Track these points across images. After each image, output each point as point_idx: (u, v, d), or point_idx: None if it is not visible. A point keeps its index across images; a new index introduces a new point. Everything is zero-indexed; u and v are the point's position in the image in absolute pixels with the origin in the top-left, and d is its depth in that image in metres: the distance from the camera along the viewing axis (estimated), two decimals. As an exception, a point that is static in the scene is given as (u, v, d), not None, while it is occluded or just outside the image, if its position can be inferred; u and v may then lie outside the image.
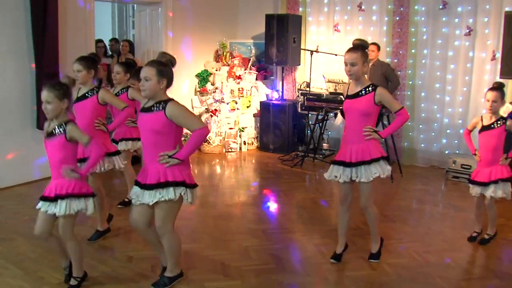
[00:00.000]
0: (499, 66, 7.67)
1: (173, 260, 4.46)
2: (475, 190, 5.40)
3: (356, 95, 4.68)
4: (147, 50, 9.76)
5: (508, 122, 5.22)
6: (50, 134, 4.20)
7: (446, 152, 8.70)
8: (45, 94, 4.11)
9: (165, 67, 4.16)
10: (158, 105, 4.11)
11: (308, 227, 6.08)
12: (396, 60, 9.01)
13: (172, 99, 4.18)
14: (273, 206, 6.94)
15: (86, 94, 5.24)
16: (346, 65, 4.65)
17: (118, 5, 13.38)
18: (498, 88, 5.22)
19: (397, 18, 8.92)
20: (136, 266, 4.93)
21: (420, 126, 8.99)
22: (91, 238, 5.51)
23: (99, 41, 10.39)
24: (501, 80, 7.63)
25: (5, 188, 7.22)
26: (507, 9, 7.73)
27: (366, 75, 4.81)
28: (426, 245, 5.53)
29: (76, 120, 5.20)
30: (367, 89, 4.66)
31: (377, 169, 4.69)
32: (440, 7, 8.52)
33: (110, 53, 10.65)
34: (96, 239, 5.52)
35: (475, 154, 5.46)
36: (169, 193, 4.12)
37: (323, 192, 7.65)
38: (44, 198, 4.23)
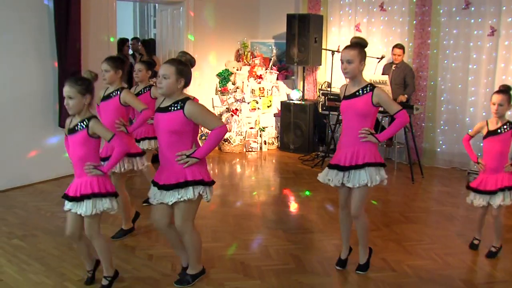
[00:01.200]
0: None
1: (195, 257, 4.48)
2: (479, 200, 5.12)
3: (353, 95, 4.49)
4: (169, 50, 9.80)
5: None
6: (72, 130, 4.15)
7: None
8: (67, 89, 4.05)
9: (184, 66, 4.14)
10: (176, 104, 4.09)
11: (328, 227, 6.07)
12: (417, 61, 8.95)
13: (189, 98, 4.15)
14: (293, 206, 6.94)
15: (111, 94, 5.27)
16: (342, 62, 4.46)
17: (140, 5, 13.46)
18: (504, 91, 4.99)
19: (419, 18, 8.86)
20: (156, 265, 4.96)
21: (442, 127, 8.92)
22: (114, 236, 5.55)
23: (126, 40, 10.47)
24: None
25: (28, 185, 7.32)
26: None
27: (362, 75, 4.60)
28: (446, 247, 5.49)
29: (100, 119, 5.26)
30: (364, 89, 4.46)
31: (367, 176, 4.45)
32: (463, 7, 8.44)
33: (131, 52, 10.71)
34: (120, 237, 5.56)
35: (477, 163, 5.18)
36: (188, 193, 4.12)
37: (343, 193, 7.62)
38: (70, 198, 4.18)
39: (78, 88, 4.06)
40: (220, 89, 10.23)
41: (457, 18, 8.53)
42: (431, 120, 8.94)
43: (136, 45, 10.62)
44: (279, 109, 10.18)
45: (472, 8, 8.37)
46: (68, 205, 4.20)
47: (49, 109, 7.50)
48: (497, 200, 5.01)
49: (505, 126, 5.01)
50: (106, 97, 5.30)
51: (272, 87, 10.19)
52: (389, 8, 9.23)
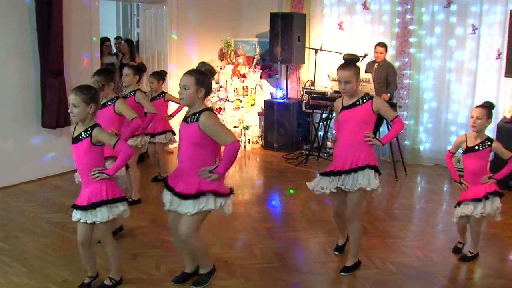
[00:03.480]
0: (504, 65, 7.66)
1: (203, 259, 4.51)
2: (463, 209, 5.03)
3: (353, 105, 4.64)
4: (152, 50, 9.78)
5: (494, 144, 4.92)
6: (76, 139, 4.13)
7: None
8: (72, 97, 4.03)
9: (204, 76, 4.19)
10: (193, 116, 4.12)
11: (312, 225, 6.09)
12: (400, 59, 9.00)
13: (207, 109, 4.16)
14: (277, 204, 6.94)
15: (106, 103, 5.33)
16: (340, 83, 4.60)
17: (123, 4, 13.38)
18: (485, 106, 4.94)
19: (402, 17, 8.91)
20: (140, 264, 4.95)
21: (425, 124, 8.99)
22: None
23: (106, 40, 10.40)
24: (507, 78, 7.72)
25: (10, 186, 7.24)
26: (512, 8, 7.75)
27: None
28: (430, 244, 5.54)
29: None
30: (364, 99, 4.63)
31: (364, 179, 4.60)
32: (445, 6, 8.50)
33: (115, 50, 10.66)
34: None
35: (460, 183, 5.10)
36: (209, 203, 4.13)
37: (327, 191, 7.65)
38: (79, 207, 4.15)
39: (83, 97, 4.04)
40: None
41: (439, 16, 8.59)
42: (414, 118, 8.99)
43: (120, 45, 10.56)
44: (263, 107, 10.18)
45: (454, 7, 8.43)
46: (77, 215, 4.18)
47: (31, 109, 7.44)
48: (477, 209, 4.94)
49: (484, 143, 4.93)
50: (101, 106, 5.29)
51: (256, 85, 10.18)
52: (372, 6, 9.28)
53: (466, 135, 5.07)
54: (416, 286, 4.67)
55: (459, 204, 5.12)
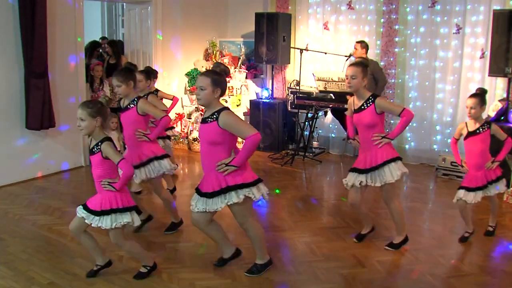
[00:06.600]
0: (487, 64, 7.71)
1: (260, 248, 4.76)
2: (471, 197, 5.32)
3: (359, 109, 5.06)
4: (137, 50, 9.75)
5: (492, 127, 5.26)
6: (91, 151, 4.35)
7: (436, 149, 8.75)
8: (79, 112, 4.24)
9: (220, 76, 4.36)
10: (212, 116, 4.31)
11: (298, 225, 6.09)
12: (385, 59, 9.04)
13: (225, 108, 4.37)
14: (263, 204, 6.93)
15: (128, 106, 5.33)
16: (346, 78, 5.01)
17: (108, 4, 13.33)
18: (477, 94, 5.27)
19: (387, 16, 8.95)
20: (126, 266, 4.92)
21: (410, 124, 8.97)
22: (167, 229, 5.80)
23: (98, 45, 10.34)
24: (491, 77, 7.80)
25: (-6, 188, 7.20)
26: (495, 7, 7.79)
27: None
28: (416, 243, 5.55)
29: (123, 130, 5.48)
30: (367, 102, 5.01)
31: (388, 173, 5.04)
32: (429, 5, 8.55)
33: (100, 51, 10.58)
34: (172, 230, 5.82)
35: (461, 166, 5.49)
36: (232, 198, 4.38)
37: (313, 190, 7.67)
38: (89, 210, 4.36)
39: (89, 111, 4.23)
40: (189, 88, 10.20)
41: (424, 16, 8.64)
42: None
43: (105, 45, 10.50)
44: (248, 108, 10.17)
45: (438, 7, 8.49)
46: (82, 214, 4.39)
47: (16, 110, 7.39)
48: (493, 191, 5.38)
49: (483, 126, 5.27)
50: (124, 109, 5.36)
51: (241, 86, 10.18)
52: (357, 6, 9.30)
53: (466, 122, 5.41)
54: (403, 284, 4.69)
55: (461, 188, 5.45)
